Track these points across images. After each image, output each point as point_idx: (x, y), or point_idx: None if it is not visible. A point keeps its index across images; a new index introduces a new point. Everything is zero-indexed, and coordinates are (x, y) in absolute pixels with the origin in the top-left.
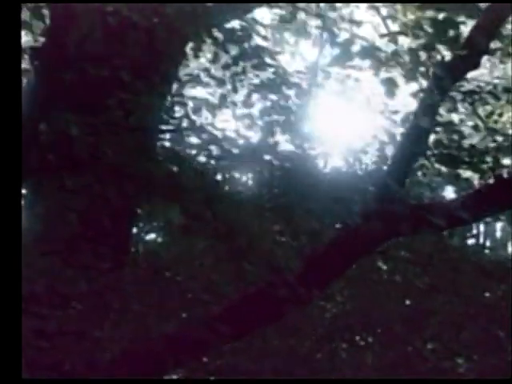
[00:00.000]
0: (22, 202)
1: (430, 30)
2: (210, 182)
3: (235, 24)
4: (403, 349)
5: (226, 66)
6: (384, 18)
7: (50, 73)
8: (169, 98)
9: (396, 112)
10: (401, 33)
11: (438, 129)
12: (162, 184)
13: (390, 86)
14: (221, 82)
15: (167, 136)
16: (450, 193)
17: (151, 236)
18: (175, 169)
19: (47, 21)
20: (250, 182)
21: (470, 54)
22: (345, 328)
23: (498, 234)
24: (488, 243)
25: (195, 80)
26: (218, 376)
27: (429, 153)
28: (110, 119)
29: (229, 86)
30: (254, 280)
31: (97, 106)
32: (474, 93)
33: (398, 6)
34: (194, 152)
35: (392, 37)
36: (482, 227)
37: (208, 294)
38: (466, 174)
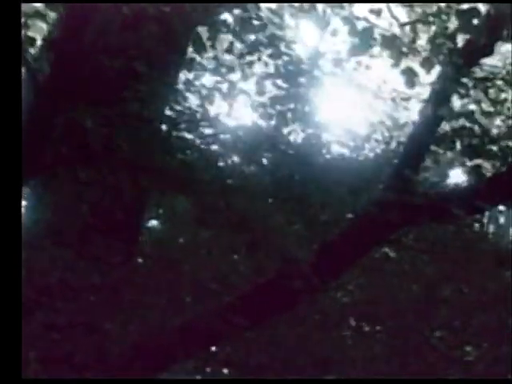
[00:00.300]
0: (35, 196)
1: (452, 19)
2: (224, 172)
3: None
4: (412, 337)
5: (240, 55)
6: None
7: (65, 65)
8: (181, 87)
9: (408, 99)
10: (422, 21)
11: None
12: (176, 175)
13: (410, 76)
14: (231, 70)
15: (182, 126)
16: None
17: (157, 224)
18: (189, 159)
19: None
20: (264, 172)
21: (484, 41)
22: (354, 317)
23: (502, 220)
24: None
25: (204, 68)
26: (228, 366)
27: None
28: (124, 111)
29: (239, 74)
30: (266, 270)
31: (111, 97)
32: (487, 79)
33: None
34: (207, 142)
35: (412, 26)
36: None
37: (217, 283)
38: (477, 160)
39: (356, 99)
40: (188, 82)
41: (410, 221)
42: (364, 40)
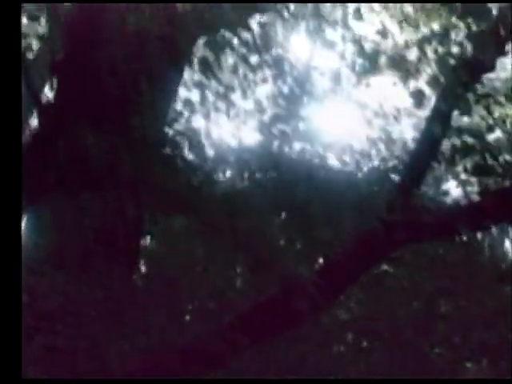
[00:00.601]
0: (36, 219)
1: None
2: (229, 193)
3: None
4: (411, 353)
5: (245, 75)
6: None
7: (68, 86)
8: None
9: (409, 115)
10: (428, 40)
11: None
12: (180, 196)
13: (420, 97)
14: (230, 89)
15: (185, 147)
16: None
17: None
18: (193, 181)
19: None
20: (266, 191)
21: (485, 57)
22: (354, 333)
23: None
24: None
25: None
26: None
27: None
28: (127, 132)
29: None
30: (266, 288)
31: (114, 119)
32: (488, 96)
33: (421, 15)
34: (211, 163)
35: (419, 45)
36: None
37: (215, 302)
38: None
39: (356, 116)
40: (189, 102)
41: (413, 238)
42: (372, 61)
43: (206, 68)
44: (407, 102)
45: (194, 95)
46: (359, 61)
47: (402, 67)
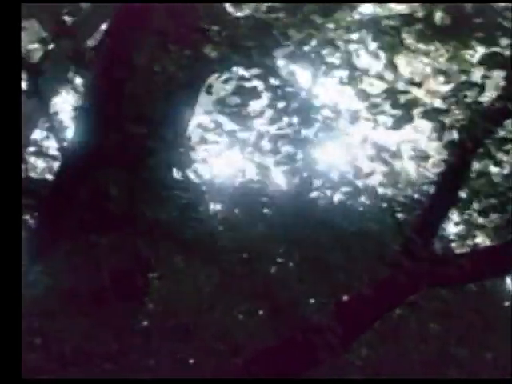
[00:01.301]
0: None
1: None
2: (249, 240)
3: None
4: None
5: (272, 121)
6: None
7: (91, 132)
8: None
9: (427, 158)
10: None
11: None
12: (198, 243)
13: (452, 147)
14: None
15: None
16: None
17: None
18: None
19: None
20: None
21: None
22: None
23: None
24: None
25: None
26: None
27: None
28: (146, 177)
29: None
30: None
31: (134, 164)
32: (508, 140)
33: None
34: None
35: (452, 94)
36: None
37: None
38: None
39: (372, 156)
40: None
41: (431, 284)
42: (407, 113)
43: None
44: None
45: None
46: (393, 111)
47: (437, 119)
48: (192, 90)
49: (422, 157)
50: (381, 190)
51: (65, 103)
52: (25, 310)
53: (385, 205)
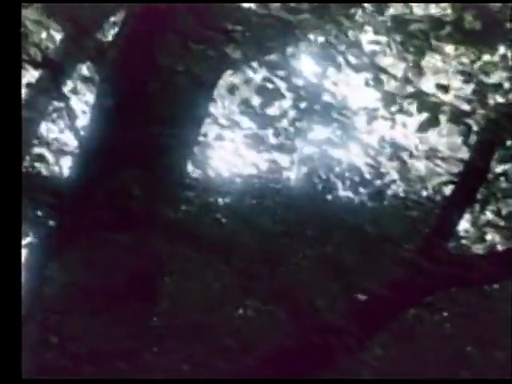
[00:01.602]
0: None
1: None
2: (271, 241)
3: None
4: None
5: (293, 121)
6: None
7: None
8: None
9: (446, 159)
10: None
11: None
12: (219, 242)
13: (475, 148)
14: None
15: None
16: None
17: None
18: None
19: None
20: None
21: None
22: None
23: None
24: None
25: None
26: None
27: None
28: (163, 175)
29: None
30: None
31: (155, 162)
32: None
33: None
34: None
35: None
36: None
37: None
38: None
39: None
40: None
41: (447, 285)
42: (433, 116)
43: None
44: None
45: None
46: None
47: (464, 123)
48: (208, 87)
49: (439, 156)
50: (398, 190)
51: (81, 102)
52: (41, 306)
53: (402, 204)
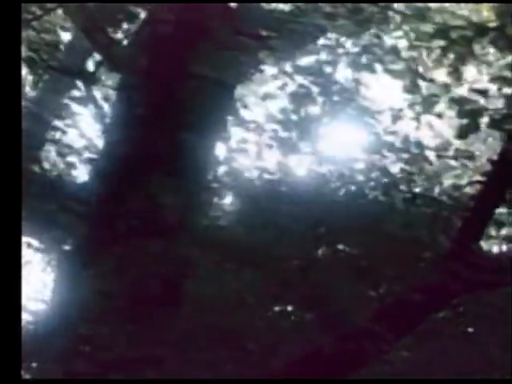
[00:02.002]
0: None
1: None
2: (306, 248)
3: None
4: None
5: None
6: None
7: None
8: None
9: (472, 157)
10: None
11: None
12: (251, 251)
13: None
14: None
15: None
16: None
17: None
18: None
19: None
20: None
21: None
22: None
23: None
24: None
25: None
26: None
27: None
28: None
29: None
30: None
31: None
32: None
33: None
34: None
35: None
36: None
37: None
38: None
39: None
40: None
41: (476, 287)
42: (473, 121)
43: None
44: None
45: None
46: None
47: (505, 128)
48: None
49: (466, 156)
50: (424, 191)
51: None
52: (75, 314)
53: (429, 206)
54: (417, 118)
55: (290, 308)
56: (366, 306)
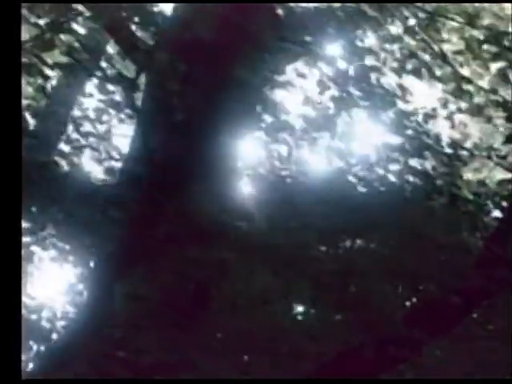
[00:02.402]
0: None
1: None
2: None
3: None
4: None
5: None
6: None
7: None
8: None
9: (504, 157)
10: None
11: None
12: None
13: None
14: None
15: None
16: None
17: None
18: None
19: None
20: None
21: None
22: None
23: None
24: None
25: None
26: None
27: None
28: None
29: None
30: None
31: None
32: None
33: None
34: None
35: None
36: None
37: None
38: None
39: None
40: None
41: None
42: None
43: None
44: None
45: None
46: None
47: None
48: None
49: (499, 156)
50: (458, 192)
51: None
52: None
53: (463, 207)
54: (464, 124)
55: (326, 310)
56: (403, 308)
